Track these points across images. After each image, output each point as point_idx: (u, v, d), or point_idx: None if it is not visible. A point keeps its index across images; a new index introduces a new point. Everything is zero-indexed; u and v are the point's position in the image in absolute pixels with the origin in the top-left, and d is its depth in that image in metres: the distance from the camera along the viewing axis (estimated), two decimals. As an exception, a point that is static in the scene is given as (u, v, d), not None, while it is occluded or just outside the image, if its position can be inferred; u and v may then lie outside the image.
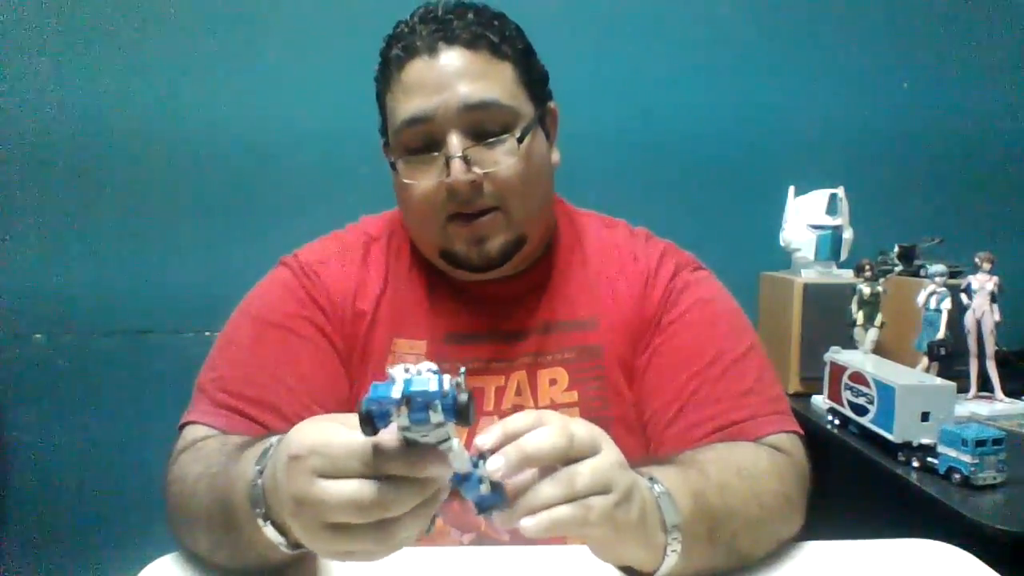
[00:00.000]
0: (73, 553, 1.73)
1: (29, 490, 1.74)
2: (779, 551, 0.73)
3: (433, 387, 0.46)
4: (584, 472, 0.55)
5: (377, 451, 0.48)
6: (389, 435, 0.48)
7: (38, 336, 1.72)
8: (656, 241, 0.97)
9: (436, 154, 0.81)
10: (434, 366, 0.48)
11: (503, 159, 0.81)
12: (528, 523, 0.53)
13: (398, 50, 0.83)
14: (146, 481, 1.68)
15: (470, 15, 0.83)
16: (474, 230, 0.82)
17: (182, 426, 0.80)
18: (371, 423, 0.46)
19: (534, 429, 0.54)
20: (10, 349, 1.71)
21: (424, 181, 0.82)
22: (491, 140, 0.81)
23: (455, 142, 0.80)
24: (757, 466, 0.74)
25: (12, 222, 1.70)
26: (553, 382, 0.88)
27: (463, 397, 0.47)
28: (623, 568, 0.65)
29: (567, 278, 0.92)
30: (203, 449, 0.73)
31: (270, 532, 0.58)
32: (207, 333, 1.68)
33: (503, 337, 0.89)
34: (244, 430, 0.77)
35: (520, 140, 0.82)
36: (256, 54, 1.72)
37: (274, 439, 0.60)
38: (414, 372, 0.47)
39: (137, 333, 1.74)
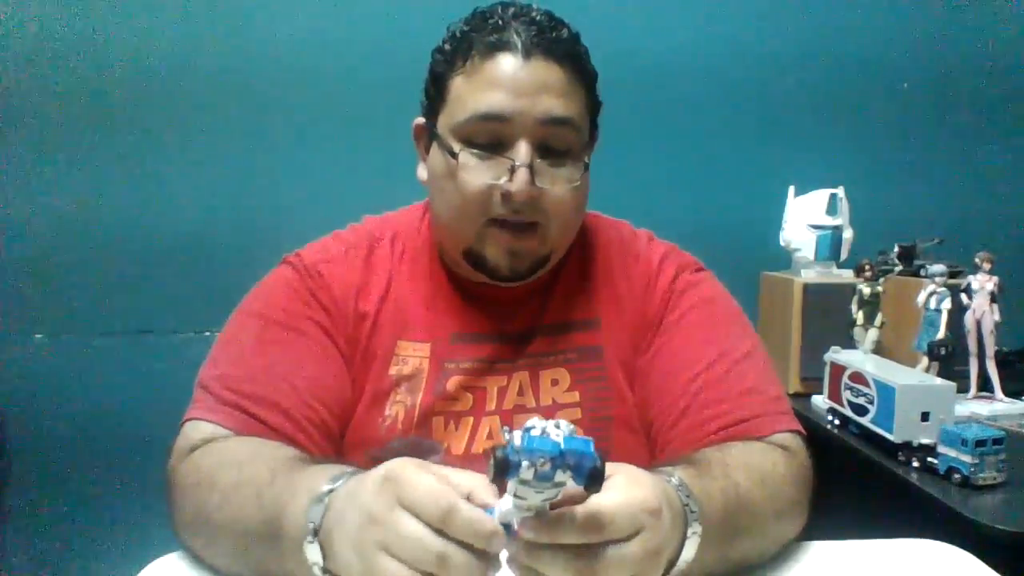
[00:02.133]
0: (73, 553, 1.73)
1: (29, 490, 1.74)
2: (781, 551, 0.73)
3: (590, 448, 0.47)
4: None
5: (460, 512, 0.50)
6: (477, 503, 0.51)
7: (38, 336, 1.72)
8: (658, 243, 0.97)
9: (502, 151, 0.80)
10: (570, 424, 0.49)
11: (565, 181, 0.81)
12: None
13: (488, 39, 0.80)
14: (146, 481, 1.70)
15: (565, 31, 0.83)
16: (513, 242, 0.82)
17: (183, 423, 0.79)
18: (504, 472, 0.47)
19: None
20: (10, 349, 1.71)
21: (479, 177, 0.80)
22: (559, 159, 0.81)
23: (525, 151, 0.79)
24: (776, 471, 0.74)
25: (11, 221, 1.70)
26: (555, 382, 0.88)
27: (599, 464, 0.48)
28: None
29: (570, 279, 0.92)
30: (226, 452, 0.72)
31: (312, 550, 0.57)
32: (207, 333, 1.69)
33: (506, 338, 0.89)
34: (248, 428, 0.76)
35: (586, 168, 0.83)
36: (260, 79, 1.72)
37: (351, 469, 0.61)
38: (551, 427, 0.48)
39: (137, 333, 1.74)
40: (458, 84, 0.82)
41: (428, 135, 0.87)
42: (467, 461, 0.82)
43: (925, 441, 1.12)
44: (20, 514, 1.74)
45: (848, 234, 1.63)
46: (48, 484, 1.74)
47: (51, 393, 1.72)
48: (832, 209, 1.61)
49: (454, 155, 0.81)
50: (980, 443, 1.04)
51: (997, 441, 1.05)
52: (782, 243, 1.66)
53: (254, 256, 0.96)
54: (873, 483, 1.20)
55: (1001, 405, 1.36)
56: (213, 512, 0.67)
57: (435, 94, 0.85)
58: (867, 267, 1.42)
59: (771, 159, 1.83)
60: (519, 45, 0.79)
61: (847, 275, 1.58)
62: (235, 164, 1.72)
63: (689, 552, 0.60)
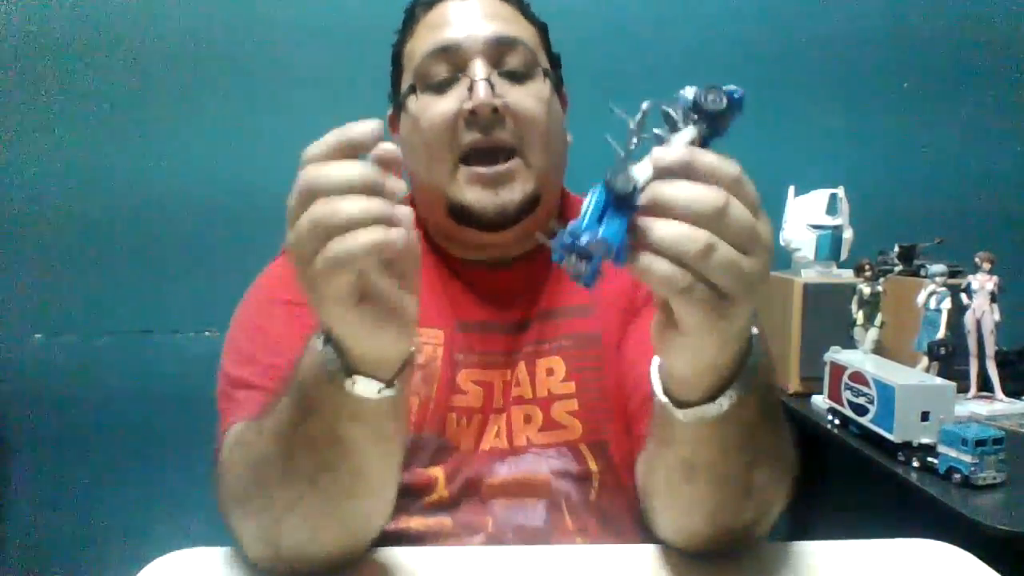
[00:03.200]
0: (73, 553, 1.73)
1: (29, 490, 1.74)
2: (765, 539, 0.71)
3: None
4: (722, 254, 0.46)
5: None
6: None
7: (38, 336, 1.72)
8: None
9: (459, 79, 0.79)
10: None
11: (527, 96, 0.80)
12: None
13: None
14: (147, 481, 1.70)
15: None
16: (492, 177, 0.78)
17: (228, 427, 0.72)
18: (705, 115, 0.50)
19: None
20: (10, 349, 1.71)
21: (443, 108, 0.79)
22: (516, 72, 0.80)
23: (480, 66, 0.78)
24: (790, 430, 0.69)
25: (12, 222, 1.70)
26: (550, 372, 0.84)
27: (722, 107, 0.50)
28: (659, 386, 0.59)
29: None
30: (249, 428, 0.66)
31: (359, 385, 0.54)
32: (207, 333, 1.69)
33: (508, 328, 0.86)
34: None
35: (546, 76, 0.82)
36: (264, 63, 1.72)
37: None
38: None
39: (137, 333, 1.74)
40: (409, 47, 0.84)
41: (397, 114, 0.87)
42: (476, 459, 0.81)
43: (925, 441, 1.12)
44: (20, 514, 1.74)
45: (848, 234, 1.62)
46: (48, 484, 1.74)
47: (51, 393, 1.72)
48: (832, 209, 1.61)
49: (413, 92, 0.81)
50: (980, 443, 1.04)
51: (997, 441, 1.05)
52: (782, 243, 1.66)
53: (256, 256, 0.96)
54: (873, 483, 1.20)
55: (1001, 405, 1.36)
56: (256, 450, 0.62)
57: (394, 72, 0.87)
58: (867, 267, 1.42)
59: (771, 159, 1.82)
60: None
61: (847, 275, 1.58)
62: (237, 163, 1.72)
63: (715, 407, 0.55)
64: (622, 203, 0.46)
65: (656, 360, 0.59)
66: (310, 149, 0.52)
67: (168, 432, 1.65)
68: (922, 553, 0.75)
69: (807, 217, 1.62)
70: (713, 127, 0.50)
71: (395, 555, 0.71)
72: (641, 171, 0.47)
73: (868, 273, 1.42)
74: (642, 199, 0.46)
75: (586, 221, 0.46)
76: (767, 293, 1.70)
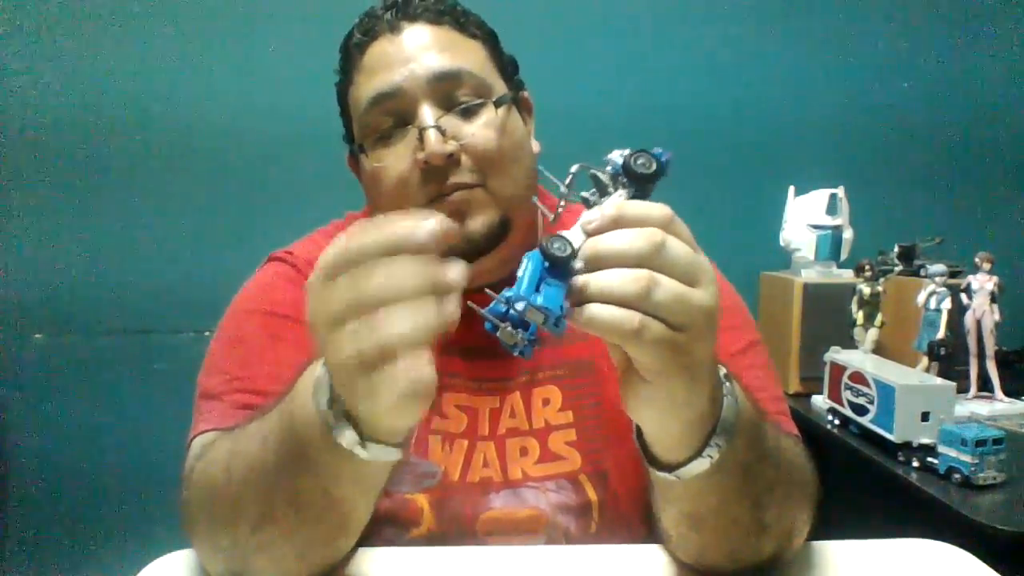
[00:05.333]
0: (73, 553, 1.73)
1: (29, 490, 1.74)
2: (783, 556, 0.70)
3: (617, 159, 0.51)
4: (667, 287, 0.46)
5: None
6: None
7: (38, 336, 1.72)
8: None
9: (407, 128, 0.75)
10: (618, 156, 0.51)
11: (481, 130, 0.75)
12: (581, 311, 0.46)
13: (358, 36, 0.79)
14: (146, 481, 1.70)
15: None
16: (453, 206, 0.74)
17: (192, 440, 0.72)
18: (604, 192, 0.51)
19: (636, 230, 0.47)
20: (10, 349, 1.71)
21: (396, 163, 0.75)
22: (466, 108, 0.76)
23: (427, 112, 0.74)
24: (796, 447, 0.70)
25: (12, 222, 1.70)
26: (546, 402, 0.80)
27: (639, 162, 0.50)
28: (645, 454, 0.59)
29: None
30: (218, 444, 0.65)
31: (347, 435, 0.50)
32: (207, 333, 1.67)
33: (497, 353, 0.77)
34: None
35: (497, 106, 0.77)
36: (256, 53, 1.72)
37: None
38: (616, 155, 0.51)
39: (137, 333, 1.74)
40: (352, 93, 0.80)
41: (355, 158, 0.83)
42: (463, 490, 0.78)
43: (925, 441, 1.13)
44: (20, 514, 1.74)
45: (848, 234, 1.63)
46: (48, 484, 1.74)
47: (51, 393, 1.72)
48: (832, 209, 1.61)
49: (364, 151, 0.77)
50: (980, 443, 1.04)
51: (997, 441, 1.05)
52: (782, 243, 1.66)
53: (257, 257, 0.96)
54: (873, 483, 1.20)
55: (1001, 405, 1.36)
56: (225, 492, 0.59)
57: (344, 116, 0.83)
58: (867, 267, 1.43)
59: (771, 159, 1.83)
60: (387, 26, 0.77)
61: (847, 275, 1.58)
62: (237, 162, 1.73)
63: (704, 462, 0.55)
64: (559, 269, 0.47)
65: (635, 427, 0.59)
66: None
67: (168, 432, 1.65)
68: (922, 553, 0.75)
69: (807, 217, 1.62)
70: (641, 189, 0.51)
71: (393, 555, 0.71)
72: (574, 237, 0.48)
73: (868, 273, 1.42)
74: (578, 263, 0.47)
75: (523, 288, 0.46)
76: (768, 293, 1.70)
